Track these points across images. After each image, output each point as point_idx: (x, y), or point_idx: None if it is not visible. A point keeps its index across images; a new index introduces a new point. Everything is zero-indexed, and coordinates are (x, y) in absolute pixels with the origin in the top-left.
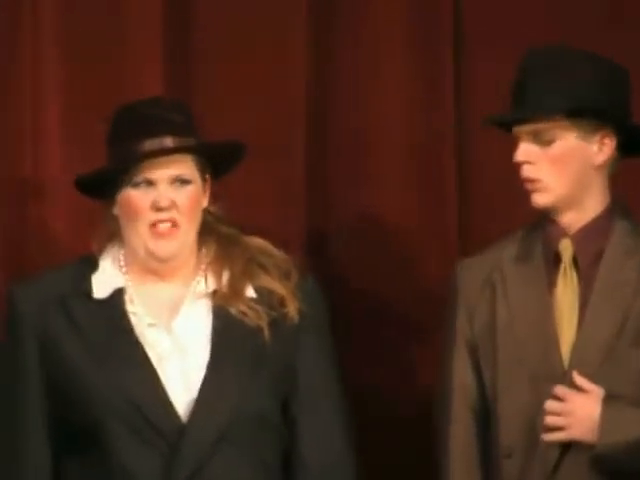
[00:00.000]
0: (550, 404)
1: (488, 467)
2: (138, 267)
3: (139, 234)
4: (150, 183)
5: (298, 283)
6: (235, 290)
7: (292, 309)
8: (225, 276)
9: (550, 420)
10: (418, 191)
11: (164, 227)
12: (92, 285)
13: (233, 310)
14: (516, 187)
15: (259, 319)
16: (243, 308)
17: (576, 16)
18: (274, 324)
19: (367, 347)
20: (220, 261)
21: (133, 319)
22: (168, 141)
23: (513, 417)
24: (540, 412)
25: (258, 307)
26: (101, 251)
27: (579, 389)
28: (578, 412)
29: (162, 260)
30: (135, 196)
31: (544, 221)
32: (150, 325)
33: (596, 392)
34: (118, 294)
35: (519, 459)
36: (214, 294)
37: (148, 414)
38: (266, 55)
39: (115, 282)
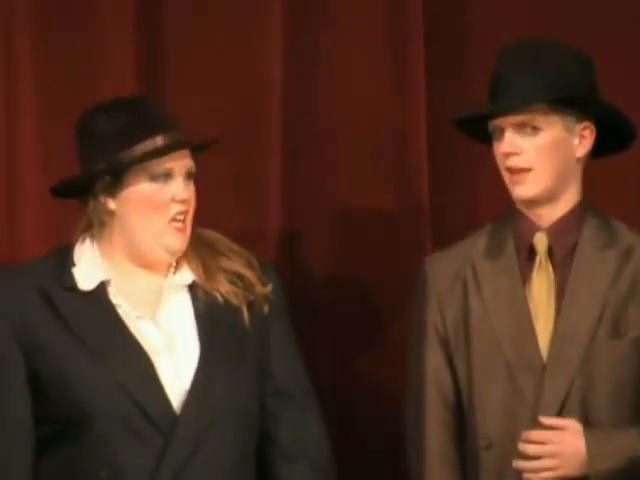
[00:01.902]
0: (535, 449)
1: (464, 457)
2: (117, 259)
3: (154, 227)
4: (170, 176)
5: (261, 270)
6: (212, 276)
7: (261, 296)
8: (198, 265)
9: (538, 465)
10: (392, 181)
11: (179, 223)
12: (74, 277)
13: (212, 297)
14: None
15: (239, 300)
16: (224, 289)
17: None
18: (250, 307)
19: (338, 337)
20: (188, 252)
21: (120, 311)
22: (182, 135)
23: (491, 409)
24: (519, 404)
25: (236, 289)
26: (74, 244)
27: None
28: (565, 451)
29: (173, 253)
30: (155, 189)
31: (513, 215)
32: (138, 318)
33: (573, 426)
34: (102, 286)
35: (498, 451)
36: (193, 283)
37: (146, 407)
38: (240, 44)
39: (99, 274)
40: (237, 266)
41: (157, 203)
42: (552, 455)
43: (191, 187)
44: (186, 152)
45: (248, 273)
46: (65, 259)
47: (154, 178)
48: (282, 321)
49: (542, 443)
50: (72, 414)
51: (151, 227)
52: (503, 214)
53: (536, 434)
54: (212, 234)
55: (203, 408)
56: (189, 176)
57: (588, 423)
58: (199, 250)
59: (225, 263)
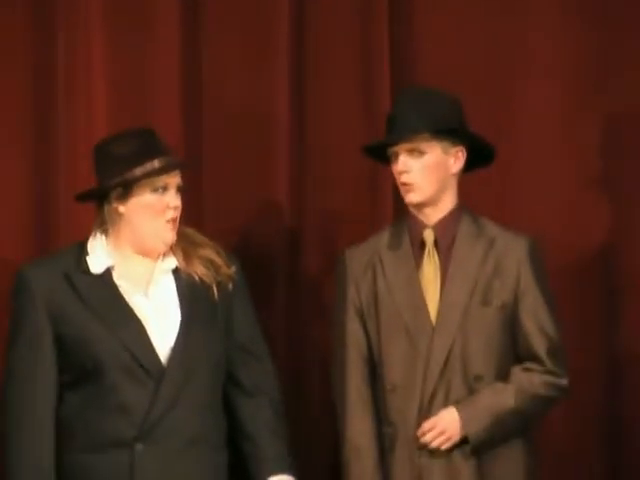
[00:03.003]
0: (429, 436)
1: (377, 401)
2: (123, 250)
3: (156, 226)
4: (166, 189)
5: (227, 257)
6: (190, 261)
7: (226, 276)
8: (180, 253)
9: (437, 443)
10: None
11: (172, 223)
12: (88, 264)
13: (194, 275)
14: None
15: (211, 280)
16: (201, 271)
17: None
18: (218, 285)
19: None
20: (175, 243)
21: (121, 289)
22: (173, 159)
23: (395, 362)
24: (416, 357)
25: (208, 272)
26: (89, 238)
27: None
28: (447, 425)
29: (167, 244)
30: (156, 199)
31: (407, 217)
32: (134, 293)
33: (447, 409)
34: (108, 271)
35: (401, 392)
36: (176, 267)
37: (140, 358)
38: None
39: (106, 261)
40: (209, 253)
41: (157, 209)
42: (441, 432)
43: (179, 197)
44: (177, 171)
45: (217, 259)
46: (82, 249)
47: (155, 190)
48: (242, 296)
49: (432, 429)
50: (87, 365)
51: (153, 226)
52: (398, 217)
53: (425, 425)
54: (189, 230)
55: (185, 360)
56: (179, 189)
57: (467, 371)
58: (181, 242)
59: (200, 252)
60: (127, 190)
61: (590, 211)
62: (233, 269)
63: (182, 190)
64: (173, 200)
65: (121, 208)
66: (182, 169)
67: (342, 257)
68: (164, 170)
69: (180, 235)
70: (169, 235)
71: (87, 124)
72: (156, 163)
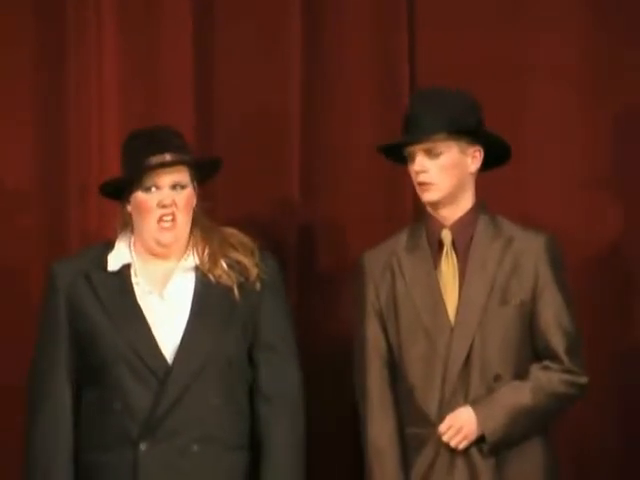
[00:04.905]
0: (446, 435)
1: (397, 399)
2: (142, 249)
3: (148, 226)
4: (157, 187)
5: (260, 258)
6: (213, 261)
7: (254, 276)
8: (204, 252)
9: (454, 442)
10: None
11: (166, 223)
12: (107, 261)
13: (211, 277)
14: None
15: (231, 281)
16: (219, 273)
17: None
18: (242, 287)
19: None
20: (202, 243)
21: (136, 287)
22: (169, 157)
23: (414, 362)
24: (434, 357)
25: (230, 272)
26: (117, 236)
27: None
28: (464, 424)
29: (165, 246)
30: (145, 197)
31: (425, 218)
32: (149, 292)
33: (463, 408)
34: (126, 268)
35: (420, 392)
36: (197, 267)
37: (144, 357)
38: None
39: (124, 259)
40: (238, 255)
41: (147, 208)
42: (458, 431)
43: (180, 194)
44: (174, 168)
45: (246, 260)
46: (108, 247)
47: (146, 190)
48: (272, 296)
49: (449, 428)
50: (95, 363)
51: (147, 225)
52: (417, 218)
53: (442, 426)
54: (229, 230)
55: (191, 360)
56: (174, 187)
57: (486, 371)
58: (211, 241)
59: (229, 252)
60: (128, 190)
61: (601, 209)
62: (263, 270)
63: (183, 187)
64: (164, 198)
65: (128, 207)
66: (168, 166)
67: (360, 259)
68: (147, 169)
69: (214, 234)
70: (162, 235)
71: (98, 120)
72: (146, 162)
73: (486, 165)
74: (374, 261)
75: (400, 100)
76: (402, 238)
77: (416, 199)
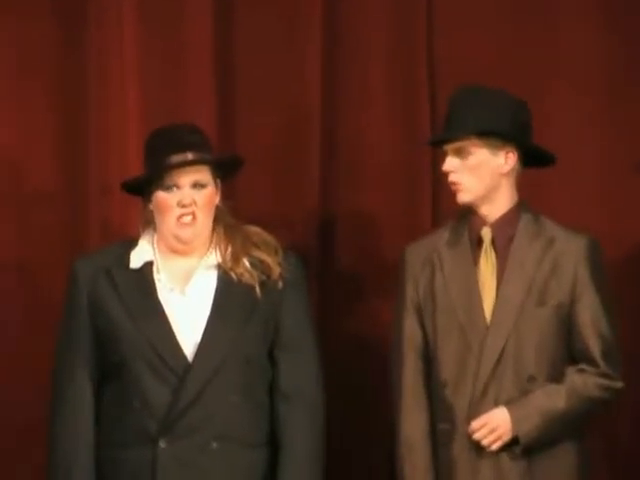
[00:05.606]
0: (479, 434)
1: (431, 395)
2: (165, 246)
3: (168, 224)
4: (177, 187)
5: (283, 257)
6: (235, 259)
7: (277, 275)
8: (227, 251)
9: (487, 441)
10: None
11: (186, 219)
12: (130, 258)
13: (233, 275)
14: None
15: (253, 279)
16: (240, 271)
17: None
18: (264, 285)
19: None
20: (225, 241)
21: (158, 284)
22: (189, 155)
23: (448, 358)
24: (468, 354)
25: (252, 271)
26: (141, 234)
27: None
28: (498, 424)
29: (184, 242)
30: (166, 197)
31: (468, 214)
32: (170, 289)
33: (497, 408)
34: (149, 265)
35: (452, 387)
36: (219, 265)
37: (163, 355)
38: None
39: (146, 256)
40: (261, 253)
41: (167, 206)
42: (492, 431)
43: (200, 193)
44: (194, 167)
45: (269, 259)
46: (131, 244)
47: (167, 189)
48: (294, 295)
49: (482, 427)
50: (115, 360)
51: (167, 223)
52: (460, 214)
53: (476, 423)
54: (253, 228)
55: (210, 357)
56: (194, 186)
57: (519, 371)
58: (233, 239)
59: (252, 250)
60: (149, 189)
61: (617, 211)
62: (285, 269)
63: (204, 186)
64: (184, 198)
65: (151, 206)
66: (188, 166)
67: (402, 253)
68: (167, 169)
69: (238, 233)
70: (181, 230)
71: (120, 117)
72: (166, 161)
73: (529, 163)
74: (415, 255)
75: (419, 91)
76: (444, 233)
77: (436, 196)
